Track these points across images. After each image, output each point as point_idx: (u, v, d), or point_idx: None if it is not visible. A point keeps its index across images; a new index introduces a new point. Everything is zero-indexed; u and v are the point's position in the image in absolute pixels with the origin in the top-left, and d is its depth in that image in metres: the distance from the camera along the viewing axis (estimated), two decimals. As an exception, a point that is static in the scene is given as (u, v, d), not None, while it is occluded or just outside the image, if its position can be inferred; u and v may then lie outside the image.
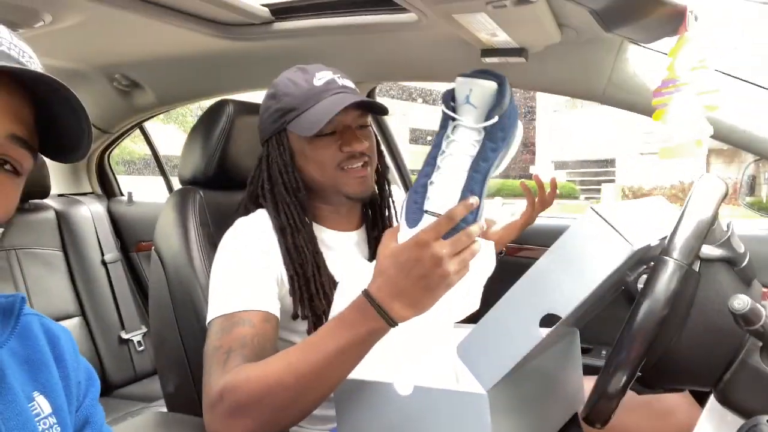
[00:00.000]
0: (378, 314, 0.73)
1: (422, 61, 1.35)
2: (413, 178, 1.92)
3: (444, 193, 0.76)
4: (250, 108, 1.25)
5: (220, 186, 1.22)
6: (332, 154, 0.99)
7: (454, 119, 0.77)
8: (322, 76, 1.00)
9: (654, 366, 0.77)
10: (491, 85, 0.76)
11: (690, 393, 1.12)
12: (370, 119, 1.06)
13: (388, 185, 1.13)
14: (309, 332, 0.98)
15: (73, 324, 1.88)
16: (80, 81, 1.74)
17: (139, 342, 2.01)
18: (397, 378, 0.80)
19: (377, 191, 1.11)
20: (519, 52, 1.08)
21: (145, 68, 1.64)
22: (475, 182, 0.76)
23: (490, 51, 1.11)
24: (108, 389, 1.91)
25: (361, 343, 0.76)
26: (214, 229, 1.15)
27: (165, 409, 1.21)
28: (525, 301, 0.68)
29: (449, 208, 0.75)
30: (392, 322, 0.74)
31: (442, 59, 1.29)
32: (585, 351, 1.47)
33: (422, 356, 0.97)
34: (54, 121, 0.52)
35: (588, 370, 1.04)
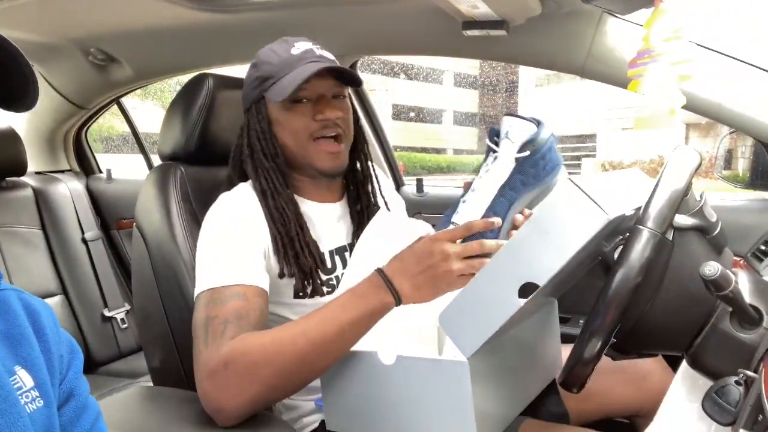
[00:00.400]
0: (387, 288, 0.82)
1: (403, 34, 1.34)
2: (396, 154, 1.92)
3: (471, 210, 0.89)
4: (230, 82, 1.23)
5: (200, 161, 1.21)
6: (306, 122, 1.00)
7: (494, 151, 0.91)
8: (300, 46, 1.00)
9: (629, 332, 0.79)
10: (528, 124, 0.90)
11: (663, 358, 1.16)
12: (348, 92, 1.06)
13: (369, 160, 1.13)
14: (298, 291, 0.99)
15: (54, 302, 1.87)
16: (55, 55, 1.70)
17: (122, 320, 2.01)
18: (380, 348, 0.81)
19: (358, 166, 1.12)
20: (500, 24, 1.08)
21: (121, 42, 1.60)
22: (499, 205, 0.88)
23: (471, 23, 1.10)
24: (92, 366, 1.91)
25: (371, 315, 0.82)
26: (196, 205, 1.15)
27: (151, 384, 1.22)
28: (504, 271, 0.70)
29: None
30: (399, 299, 0.83)
31: (424, 32, 1.28)
32: (564, 321, 1.50)
33: (406, 328, 0.99)
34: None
35: (567, 339, 1.07)
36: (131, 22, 1.45)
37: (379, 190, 1.14)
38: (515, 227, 0.93)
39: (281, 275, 0.97)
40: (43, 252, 1.90)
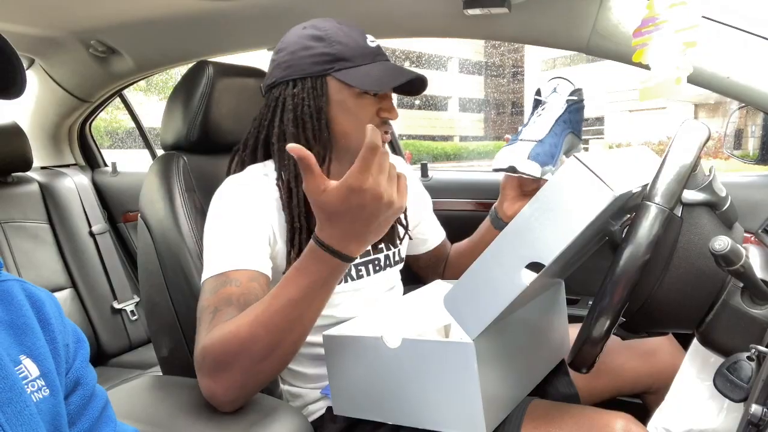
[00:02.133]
0: (334, 257, 0.75)
1: (406, 16, 1.32)
2: (402, 143, 1.91)
3: (534, 130, 1.04)
4: (231, 69, 1.22)
5: (203, 150, 1.20)
6: (371, 114, 0.98)
7: (543, 103, 1.08)
8: (371, 39, 1.00)
9: (638, 311, 0.78)
10: (571, 85, 1.10)
11: (672, 335, 1.15)
12: None
13: (397, 148, 1.16)
14: None
15: (64, 296, 1.88)
16: (56, 49, 1.70)
17: (132, 311, 2.02)
18: (385, 332, 0.81)
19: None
20: (501, 2, 1.07)
21: (121, 33, 1.59)
22: (558, 128, 1.05)
23: (472, 2, 1.08)
24: (103, 358, 1.93)
25: (323, 284, 0.77)
26: (200, 194, 1.14)
27: (160, 374, 1.22)
28: (509, 250, 0.69)
29: (539, 138, 1.05)
30: (347, 258, 0.76)
31: (426, 13, 1.26)
32: (572, 302, 1.50)
33: (412, 312, 0.99)
34: None
35: (575, 321, 1.06)
36: (130, 13, 1.44)
37: None
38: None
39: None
40: (51, 246, 1.91)
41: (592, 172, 0.65)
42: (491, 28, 1.22)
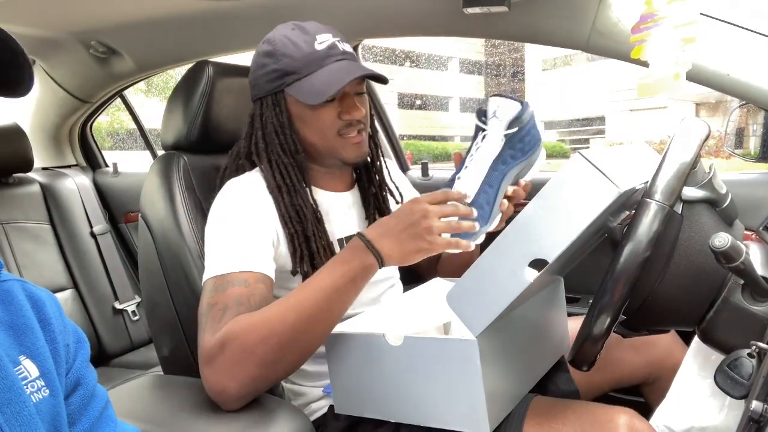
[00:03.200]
0: (368, 249, 0.84)
1: (405, 15, 1.32)
2: (403, 143, 1.91)
3: (466, 184, 0.91)
4: (231, 69, 1.22)
5: (203, 150, 1.20)
6: (332, 120, 0.98)
7: (483, 129, 0.94)
8: (323, 40, 0.97)
9: (639, 309, 0.78)
10: (514, 104, 0.93)
11: (673, 330, 1.15)
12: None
13: (380, 147, 1.13)
14: (306, 276, 0.99)
15: (66, 296, 1.88)
16: (56, 50, 1.70)
17: (133, 312, 2.02)
18: (387, 329, 0.81)
19: (371, 156, 1.11)
20: (501, 0, 1.06)
21: (121, 33, 1.59)
22: (493, 178, 0.92)
23: (471, 0, 1.08)
24: (105, 359, 1.93)
25: (354, 278, 0.84)
26: (200, 193, 1.14)
27: (161, 374, 1.22)
28: (513, 247, 0.69)
29: (468, 199, 0.91)
30: (381, 260, 0.85)
31: (425, 12, 1.26)
32: (572, 300, 1.50)
33: (413, 310, 0.99)
34: None
35: (575, 318, 1.06)
36: (130, 13, 1.44)
37: (389, 177, 1.15)
38: (507, 197, 0.95)
39: (294, 272, 0.97)
40: (53, 247, 1.91)
41: (597, 168, 0.65)
42: (491, 26, 1.22)
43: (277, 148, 1.00)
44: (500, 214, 0.95)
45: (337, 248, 1.04)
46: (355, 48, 1.62)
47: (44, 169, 2.10)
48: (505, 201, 0.95)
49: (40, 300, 0.60)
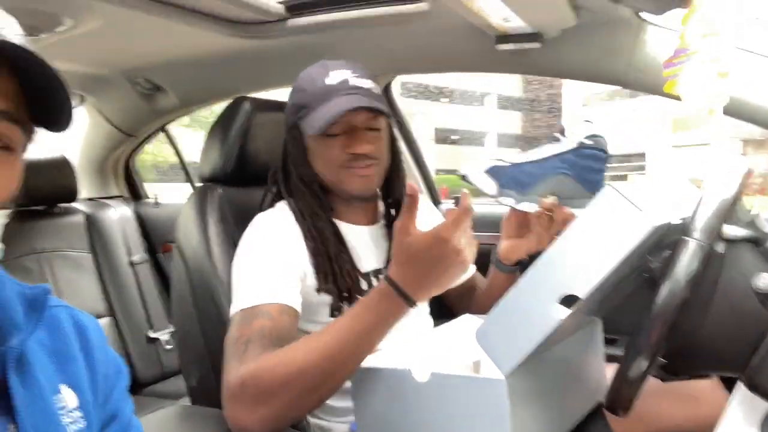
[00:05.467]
0: (401, 298, 0.80)
1: (436, 52, 1.34)
2: (439, 177, 1.91)
3: (518, 156, 0.94)
4: (268, 105, 1.26)
5: (239, 182, 1.23)
6: (337, 154, 1.00)
7: (558, 140, 0.94)
8: (336, 75, 1.00)
9: (678, 352, 0.75)
10: (599, 128, 0.95)
11: (718, 379, 1.09)
12: (385, 122, 1.05)
13: (402, 184, 1.12)
14: (333, 310, 1.00)
15: (103, 323, 1.92)
16: (104, 86, 1.79)
17: (167, 341, 2.04)
18: (414, 365, 0.79)
19: (394, 191, 1.11)
20: (534, 37, 1.07)
21: (165, 71, 1.66)
22: (547, 163, 0.92)
23: (504, 38, 1.09)
24: (137, 387, 1.94)
25: (384, 324, 0.81)
26: (234, 225, 1.16)
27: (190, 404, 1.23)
28: (543, 283, 0.66)
29: (517, 161, 0.93)
30: (412, 302, 0.81)
31: (456, 49, 1.28)
32: (611, 342, 1.44)
33: (442, 346, 0.97)
34: (36, 92, 0.50)
35: (613, 361, 1.02)
36: (174, 52, 1.51)
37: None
38: (544, 209, 0.94)
39: (318, 290, 0.97)
40: (93, 275, 1.96)
41: (629, 201, 0.63)
42: (524, 62, 1.22)
43: (295, 179, 1.03)
44: (536, 205, 0.94)
45: (363, 282, 1.04)
46: (387, 86, 1.64)
47: (89, 199, 2.18)
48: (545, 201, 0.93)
49: (85, 327, 0.60)
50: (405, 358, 0.87)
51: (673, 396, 1.06)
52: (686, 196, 0.80)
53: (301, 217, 1.01)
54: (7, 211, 0.50)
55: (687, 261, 0.66)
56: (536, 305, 0.66)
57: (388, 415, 0.82)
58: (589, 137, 0.92)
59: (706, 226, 0.68)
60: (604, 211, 0.64)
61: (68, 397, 0.55)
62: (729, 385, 1.04)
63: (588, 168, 0.93)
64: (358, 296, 1.02)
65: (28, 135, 0.52)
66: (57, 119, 0.52)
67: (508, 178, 0.94)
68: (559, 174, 0.93)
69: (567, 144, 0.93)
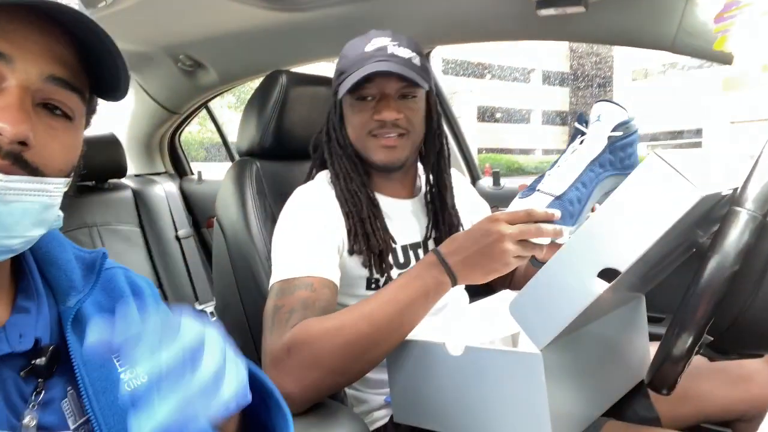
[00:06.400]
0: (444, 269, 0.82)
1: (477, 19, 1.30)
2: (481, 156, 1.87)
3: (558, 179, 0.87)
4: (303, 78, 1.25)
5: (275, 156, 1.24)
6: (365, 119, 1.00)
7: (583, 133, 0.90)
8: (376, 42, 1.00)
9: (728, 329, 0.71)
10: (622, 110, 0.89)
11: (771, 360, 1.04)
12: (423, 94, 1.04)
13: (445, 162, 1.11)
14: (370, 283, 1.00)
15: (151, 296, 1.99)
16: (148, 63, 1.82)
17: (212, 313, 2.10)
18: (448, 338, 0.78)
19: (434, 167, 1.10)
20: (578, 0, 1.02)
21: (205, 47, 1.68)
22: (588, 178, 0.87)
23: (546, 1, 1.05)
24: (184, 358, 2.02)
25: (427, 294, 0.82)
26: (271, 198, 1.17)
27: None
28: (581, 255, 0.64)
29: (558, 192, 0.87)
30: (454, 279, 0.83)
31: (497, 15, 1.23)
32: (656, 320, 1.39)
33: (478, 320, 0.96)
34: (95, 62, 0.50)
35: (658, 340, 0.98)
36: (213, 28, 1.52)
37: (447, 196, 1.11)
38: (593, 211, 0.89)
39: (351, 251, 0.98)
40: (141, 248, 2.03)
41: (676, 170, 0.59)
42: (567, 28, 1.17)
43: (334, 143, 1.05)
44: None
45: (401, 254, 1.04)
46: (428, 54, 1.60)
47: (137, 176, 2.25)
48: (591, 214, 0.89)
49: (140, 288, 0.62)
50: (440, 332, 0.86)
51: (721, 376, 1.02)
52: (738, 167, 0.76)
53: (336, 179, 1.02)
54: (69, 182, 0.50)
55: (737, 233, 0.62)
56: (574, 278, 0.64)
57: (421, 388, 0.82)
58: (617, 128, 0.87)
59: (759, 196, 0.63)
60: (649, 180, 0.60)
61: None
62: (783, 365, 0.99)
63: (627, 156, 0.90)
64: (394, 266, 1.01)
65: (87, 104, 0.53)
66: (114, 87, 0.53)
67: (567, 215, 0.89)
68: (603, 180, 0.90)
69: (596, 141, 0.89)
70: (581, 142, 0.89)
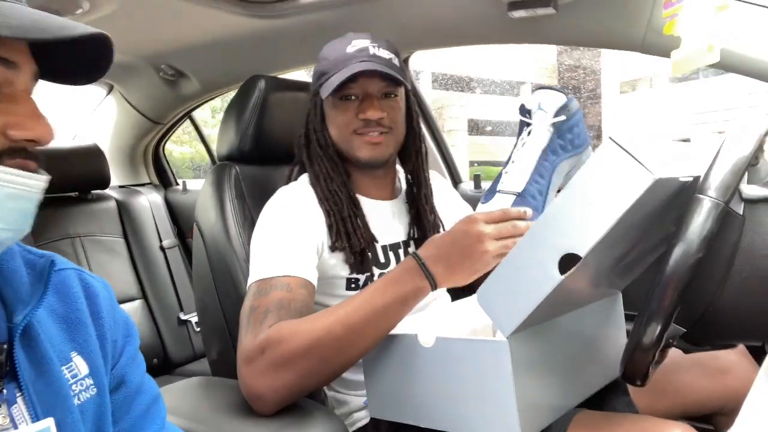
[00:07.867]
0: (423, 274, 0.82)
1: (452, 24, 1.31)
2: (472, 169, 1.88)
3: (515, 175, 0.88)
4: (282, 83, 1.26)
5: (254, 160, 1.24)
6: (349, 118, 1.01)
7: (528, 124, 0.91)
8: (356, 44, 1.01)
9: (699, 320, 0.71)
10: (559, 94, 0.90)
11: (747, 350, 1.05)
12: (403, 93, 1.05)
13: (424, 161, 1.11)
14: (350, 283, 1.00)
15: (135, 306, 1.98)
16: (130, 74, 1.83)
17: (196, 323, 2.08)
18: (420, 330, 0.79)
19: (413, 167, 1.11)
20: (547, 2, 1.04)
21: (186, 56, 1.69)
22: (543, 169, 0.88)
23: (516, 4, 1.06)
24: (169, 367, 2.00)
25: (404, 301, 0.82)
26: (250, 202, 1.18)
27: (212, 378, 1.25)
28: (542, 242, 0.65)
29: (519, 189, 0.88)
30: (434, 284, 0.82)
31: (470, 19, 1.25)
32: (633, 318, 1.40)
33: (457, 316, 0.96)
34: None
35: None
36: (192, 36, 1.52)
37: (427, 196, 1.12)
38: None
39: (333, 248, 0.98)
40: (125, 259, 2.02)
41: (629, 154, 0.60)
42: (538, 31, 1.19)
43: (314, 144, 1.05)
44: None
45: (381, 254, 1.04)
46: (406, 59, 1.62)
47: (121, 186, 2.24)
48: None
49: (94, 293, 0.60)
50: (415, 326, 0.86)
51: (698, 369, 1.03)
52: (702, 154, 0.77)
53: (315, 180, 1.02)
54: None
55: (701, 220, 0.63)
56: (536, 265, 0.65)
57: (395, 381, 0.82)
58: (558, 112, 0.89)
59: (722, 183, 0.64)
60: (604, 165, 0.61)
61: (79, 365, 0.55)
62: (758, 356, 1.00)
63: (576, 136, 0.91)
64: (374, 266, 1.02)
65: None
66: (100, 69, 0.53)
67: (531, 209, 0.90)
68: (558, 165, 0.91)
69: (542, 130, 0.90)
70: (529, 133, 0.90)
